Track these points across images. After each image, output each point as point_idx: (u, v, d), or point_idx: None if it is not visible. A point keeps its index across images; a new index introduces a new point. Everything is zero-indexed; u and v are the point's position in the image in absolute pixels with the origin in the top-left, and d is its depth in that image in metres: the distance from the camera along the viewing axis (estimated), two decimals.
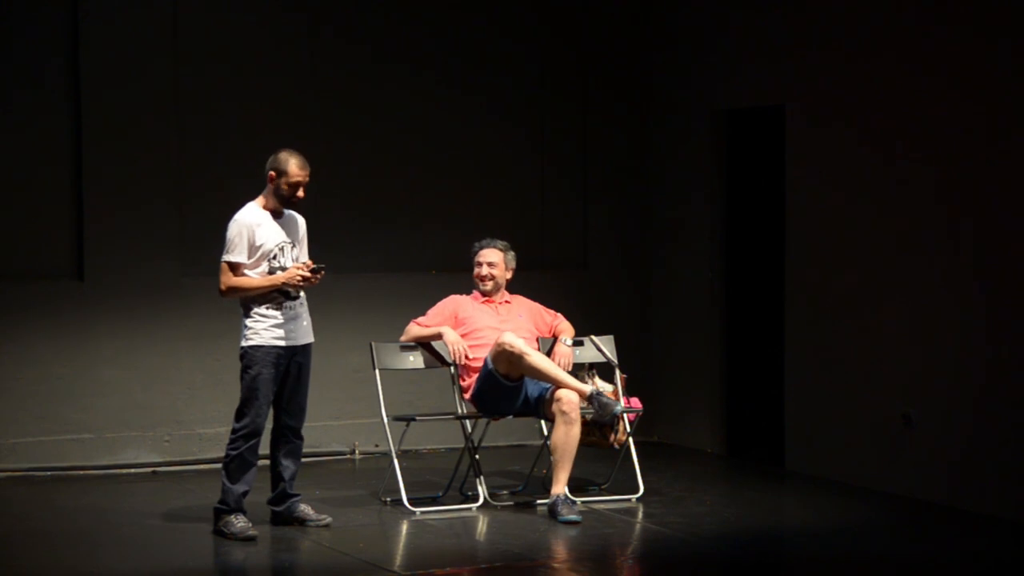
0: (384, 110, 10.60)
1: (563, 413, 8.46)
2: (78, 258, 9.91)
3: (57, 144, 9.86)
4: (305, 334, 8.16)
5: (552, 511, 8.38)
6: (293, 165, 8.04)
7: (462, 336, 8.87)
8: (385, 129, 10.61)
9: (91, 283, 9.89)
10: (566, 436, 8.47)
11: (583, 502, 8.62)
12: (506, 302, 9.09)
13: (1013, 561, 7.72)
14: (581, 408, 8.54)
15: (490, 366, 8.62)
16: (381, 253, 10.58)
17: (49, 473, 9.71)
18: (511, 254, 9.13)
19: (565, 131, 11.10)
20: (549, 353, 8.96)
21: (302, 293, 8.11)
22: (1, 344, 9.71)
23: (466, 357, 8.77)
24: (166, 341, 10.03)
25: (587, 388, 8.55)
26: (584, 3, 11.10)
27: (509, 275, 9.13)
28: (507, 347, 8.52)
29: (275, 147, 8.15)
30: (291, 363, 8.10)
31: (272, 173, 8.06)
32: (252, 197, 8.22)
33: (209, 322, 9.94)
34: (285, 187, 8.04)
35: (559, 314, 9.18)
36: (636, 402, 8.98)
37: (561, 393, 8.50)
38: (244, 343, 8.06)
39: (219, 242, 8.05)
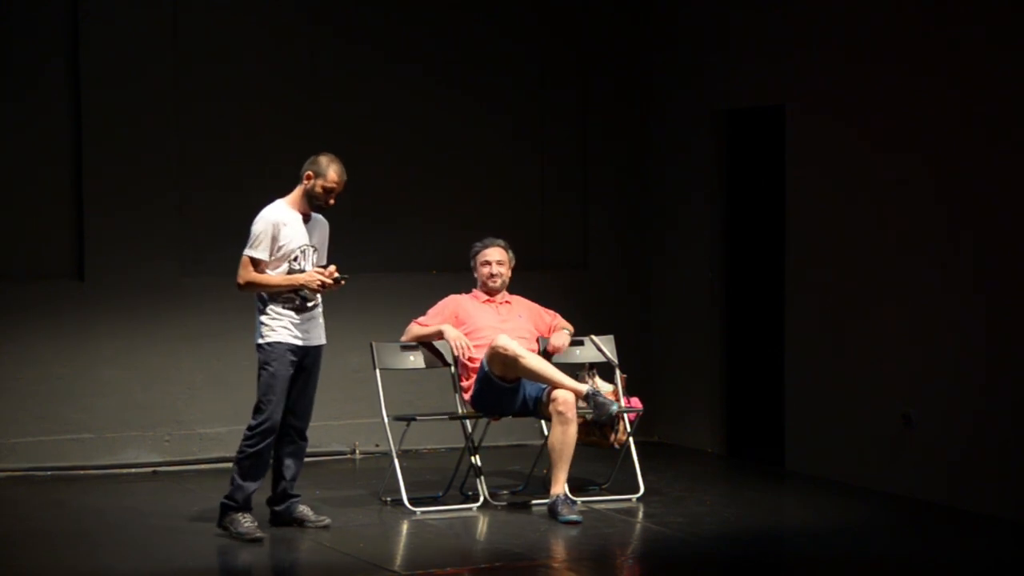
0: (384, 110, 10.60)
1: (559, 413, 8.45)
2: (78, 258, 9.91)
3: (57, 144, 9.87)
4: (319, 336, 8.16)
5: (552, 511, 8.38)
6: (333, 171, 8.03)
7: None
8: (385, 129, 10.61)
9: (91, 283, 9.89)
10: (563, 436, 8.46)
11: (583, 502, 8.62)
12: (506, 302, 9.09)
13: (1013, 561, 7.72)
14: (579, 408, 8.54)
15: (486, 368, 8.62)
16: (381, 253, 10.57)
17: (49, 473, 9.71)
18: (511, 252, 9.14)
19: (565, 131, 11.10)
20: (545, 351, 8.97)
21: (319, 297, 8.09)
22: (1, 344, 9.71)
23: (469, 354, 8.76)
24: (166, 341, 10.02)
25: (583, 388, 8.53)
26: (584, 3, 11.10)
27: (509, 273, 9.13)
28: (501, 350, 8.52)
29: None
30: (303, 363, 8.08)
31: (309, 174, 8.03)
32: (253, 197, 8.22)
33: (209, 322, 9.95)
34: (320, 190, 8.01)
35: (556, 314, 9.19)
36: (636, 402, 8.98)
37: (557, 393, 8.49)
38: (261, 339, 8.01)
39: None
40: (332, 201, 8.08)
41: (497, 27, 10.92)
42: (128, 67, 9.93)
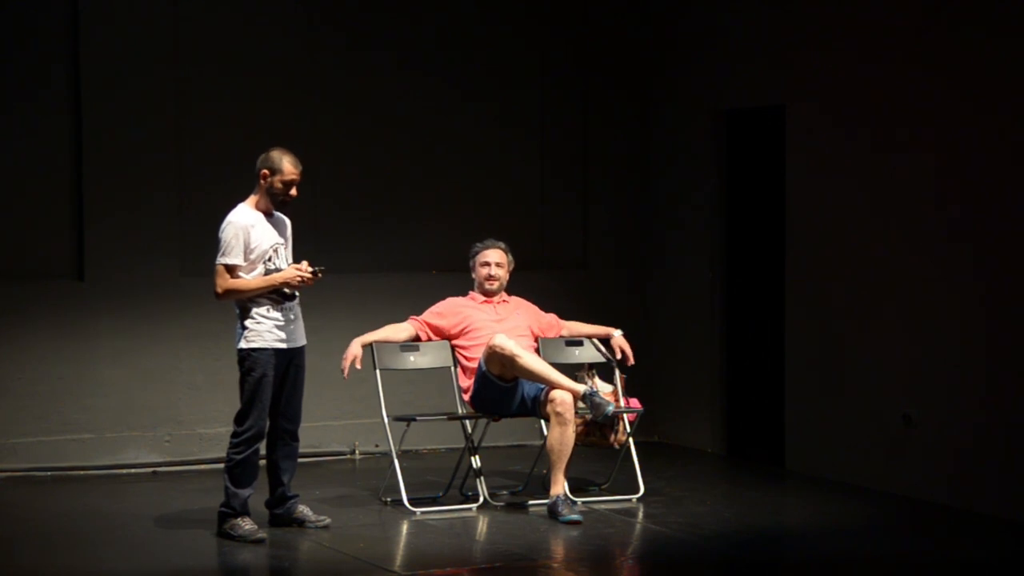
0: (384, 110, 10.60)
1: (557, 414, 8.44)
2: (78, 258, 9.91)
3: (57, 144, 9.87)
4: (301, 336, 8.15)
5: (552, 511, 8.37)
6: (287, 163, 7.98)
7: (460, 335, 8.87)
8: (385, 129, 10.61)
9: (91, 283, 9.89)
10: (561, 437, 8.45)
11: (583, 502, 8.62)
12: (504, 302, 9.08)
13: (1013, 561, 7.72)
14: (579, 408, 8.53)
15: (483, 367, 8.61)
16: (381, 253, 10.58)
17: (49, 473, 9.71)
18: (510, 256, 9.13)
19: (565, 131, 11.10)
20: (606, 344, 9.05)
21: (296, 294, 8.08)
22: (1, 344, 9.71)
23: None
24: (166, 341, 10.03)
25: (580, 388, 8.51)
26: (584, 3, 11.10)
27: (507, 276, 9.12)
28: (498, 349, 8.50)
29: (275, 147, 8.14)
30: (289, 366, 8.08)
31: (265, 172, 7.99)
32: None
33: (209, 322, 9.93)
34: (279, 185, 7.97)
35: (555, 315, 9.19)
36: (636, 402, 8.98)
37: (555, 394, 8.47)
38: (245, 345, 7.99)
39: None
40: (294, 192, 8.02)
41: (497, 27, 10.93)
42: (128, 67, 9.93)
